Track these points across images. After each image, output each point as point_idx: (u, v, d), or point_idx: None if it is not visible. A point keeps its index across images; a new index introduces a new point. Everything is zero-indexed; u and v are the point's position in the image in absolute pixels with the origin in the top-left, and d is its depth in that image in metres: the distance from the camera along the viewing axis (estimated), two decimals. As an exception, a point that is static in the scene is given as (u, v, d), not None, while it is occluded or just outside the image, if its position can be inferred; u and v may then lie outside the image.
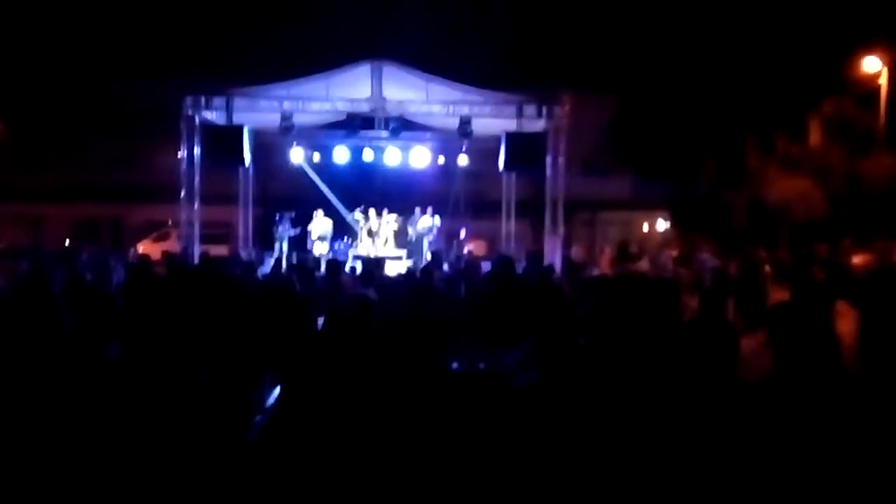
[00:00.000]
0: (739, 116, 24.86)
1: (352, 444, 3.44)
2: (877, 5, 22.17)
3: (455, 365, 5.33)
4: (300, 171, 19.49)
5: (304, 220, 18.67)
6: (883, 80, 21.74)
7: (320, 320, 5.49)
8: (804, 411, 2.92)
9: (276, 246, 18.47)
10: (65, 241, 22.33)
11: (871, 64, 22.01)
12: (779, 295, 11.54)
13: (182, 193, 15.91)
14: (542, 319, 5.36)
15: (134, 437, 3.60)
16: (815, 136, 24.25)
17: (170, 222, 22.78)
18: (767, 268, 13.59)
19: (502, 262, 9.90)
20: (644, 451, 2.98)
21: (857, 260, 13.69)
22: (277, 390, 4.06)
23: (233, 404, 4.16)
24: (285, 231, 18.50)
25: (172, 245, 19.55)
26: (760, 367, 3.31)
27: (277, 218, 18.71)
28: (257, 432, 3.84)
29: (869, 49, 22.05)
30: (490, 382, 4.50)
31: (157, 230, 25.78)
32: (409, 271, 10.15)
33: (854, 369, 3.59)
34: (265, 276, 11.81)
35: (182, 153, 15.85)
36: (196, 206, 16.17)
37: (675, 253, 16.25)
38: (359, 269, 12.93)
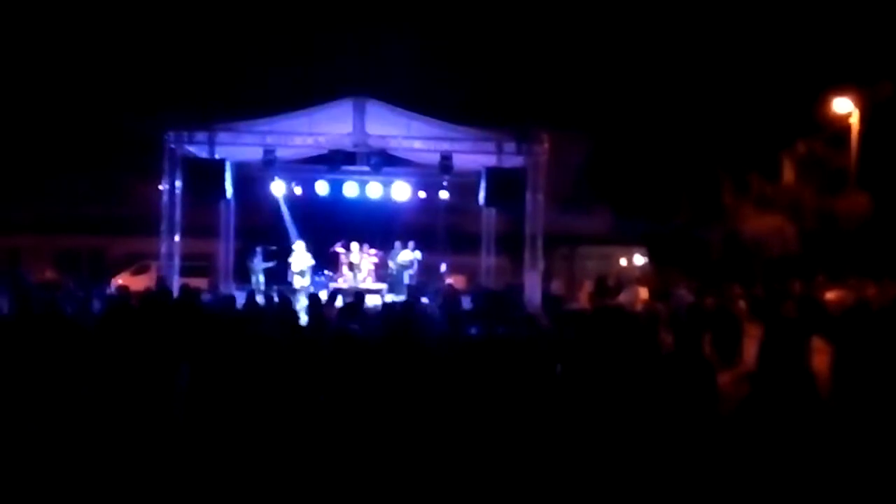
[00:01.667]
0: (715, 155, 25.31)
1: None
2: (847, 49, 22.82)
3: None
4: (282, 205, 19.63)
5: (284, 252, 18.68)
6: (854, 121, 22.27)
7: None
8: (781, 442, 3.01)
9: (253, 279, 18.45)
10: (44, 273, 22.12)
11: (843, 105, 22.55)
12: (754, 331, 11.71)
13: (163, 226, 15.91)
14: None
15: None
16: (788, 175, 24.72)
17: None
18: (742, 303, 13.76)
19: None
20: (618, 481, 3.06)
21: (830, 296, 13.90)
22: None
23: (210, 441, 4.18)
24: (259, 264, 18.51)
25: (152, 278, 19.42)
26: (736, 401, 3.41)
27: (258, 251, 18.74)
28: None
29: (840, 91, 22.59)
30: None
31: (136, 263, 25.62)
32: (387, 305, 10.21)
33: (829, 403, 3.69)
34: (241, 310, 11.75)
35: (164, 186, 15.87)
36: (177, 238, 16.16)
37: (645, 288, 16.40)
38: (339, 303, 12.93)
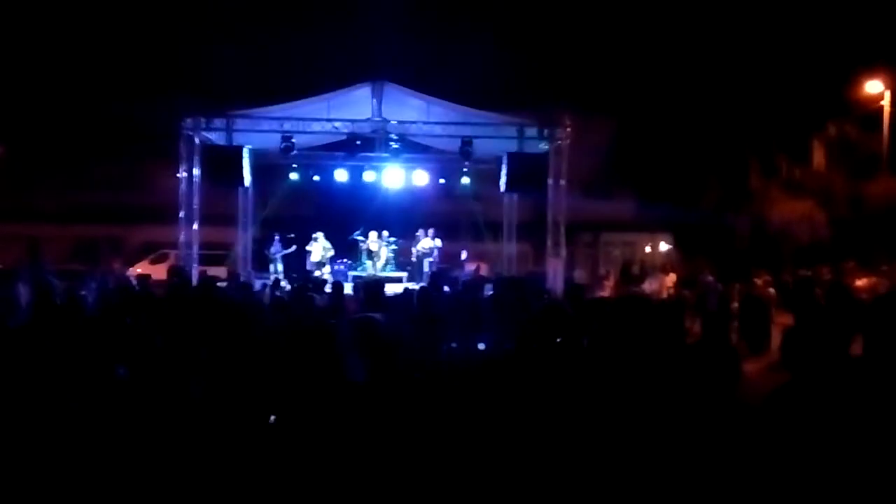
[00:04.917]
0: (742, 139, 24.82)
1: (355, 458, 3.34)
2: (878, 29, 22.22)
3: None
4: (301, 192, 19.48)
5: (303, 241, 18.57)
6: (885, 103, 21.72)
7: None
8: (815, 431, 2.84)
9: (272, 267, 18.37)
10: (63, 262, 22.12)
11: (874, 87, 22.02)
12: (782, 319, 11.40)
13: (181, 214, 15.83)
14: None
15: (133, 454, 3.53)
16: (818, 159, 24.21)
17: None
18: (771, 291, 13.44)
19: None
20: (640, 470, 2.89)
21: (859, 283, 13.52)
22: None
23: (232, 422, 4.06)
24: (278, 251, 18.42)
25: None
26: (764, 390, 3.23)
27: (276, 238, 18.66)
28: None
29: (871, 72, 22.07)
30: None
31: (155, 251, 25.62)
32: (408, 292, 10.00)
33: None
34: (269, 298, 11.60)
35: (182, 174, 15.78)
36: (195, 227, 16.08)
37: (672, 276, 16.07)
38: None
